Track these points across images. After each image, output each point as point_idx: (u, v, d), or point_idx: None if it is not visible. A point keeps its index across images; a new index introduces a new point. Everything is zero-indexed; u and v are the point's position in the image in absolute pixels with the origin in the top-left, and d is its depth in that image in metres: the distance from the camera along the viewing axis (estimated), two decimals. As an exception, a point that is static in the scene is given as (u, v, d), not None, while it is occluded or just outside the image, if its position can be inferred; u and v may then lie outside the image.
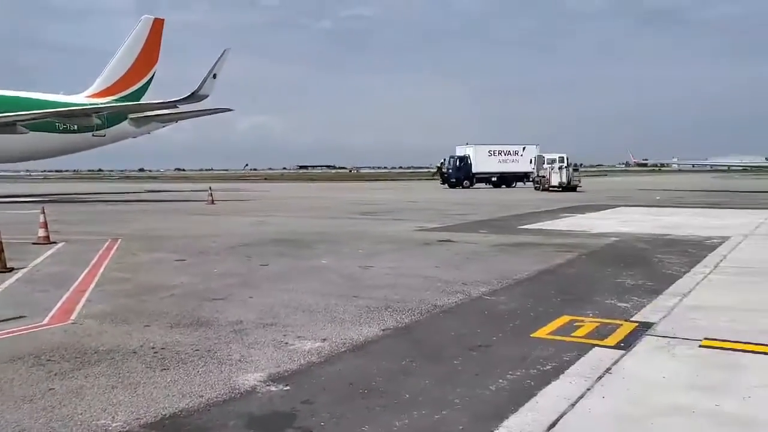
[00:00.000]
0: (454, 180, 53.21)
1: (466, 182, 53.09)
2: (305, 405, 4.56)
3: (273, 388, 4.88)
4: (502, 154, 55.45)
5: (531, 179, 51.35)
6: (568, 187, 43.23)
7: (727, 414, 4.29)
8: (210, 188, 35.16)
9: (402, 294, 8.37)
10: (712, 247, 12.70)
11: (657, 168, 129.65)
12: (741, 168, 58.69)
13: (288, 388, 4.90)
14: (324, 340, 6.23)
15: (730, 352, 5.70)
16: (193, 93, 30.86)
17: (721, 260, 11.06)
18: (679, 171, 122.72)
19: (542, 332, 6.48)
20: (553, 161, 47.22)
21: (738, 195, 37.84)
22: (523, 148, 55.63)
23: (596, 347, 5.86)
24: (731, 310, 7.35)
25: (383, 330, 6.62)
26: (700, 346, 5.88)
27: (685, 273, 9.82)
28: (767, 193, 34.83)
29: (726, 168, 66.13)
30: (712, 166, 65.54)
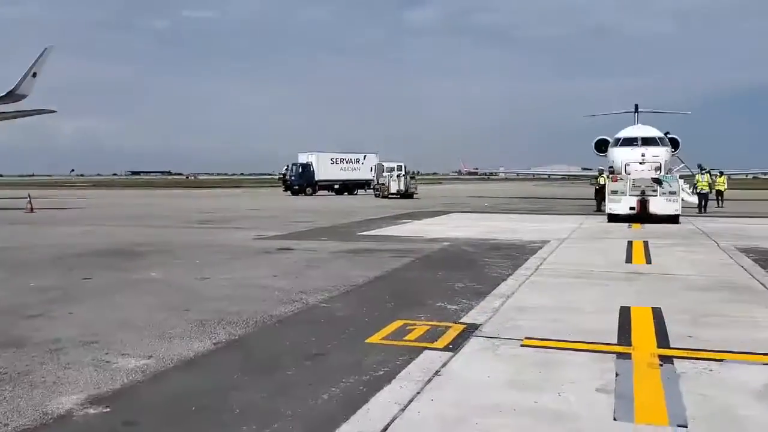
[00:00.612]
0: (297, 187, 53.00)
1: (309, 189, 53.08)
2: (127, 427, 4.29)
3: (91, 411, 4.55)
4: (344, 161, 56.08)
5: (372, 187, 52.40)
6: (406, 194, 44.64)
7: (544, 409, 4.57)
8: (29, 195, 32.36)
9: (238, 305, 8.15)
10: (534, 251, 13.62)
11: (486, 176, 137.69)
12: (560, 177, 63.74)
13: (108, 409, 4.59)
14: (150, 357, 5.91)
15: (548, 350, 6.10)
16: (9, 92, 28.32)
17: (541, 263, 11.88)
18: (506, 179, 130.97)
19: (376, 338, 6.58)
20: (392, 169, 48.50)
21: (558, 202, 41.04)
22: (365, 156, 56.60)
23: (427, 350, 6.04)
24: (549, 309, 7.90)
25: (215, 344, 6.40)
26: (522, 345, 6.25)
27: (509, 275, 10.43)
28: (583, 200, 37.95)
29: (547, 176, 71.39)
30: (534, 174, 70.60)
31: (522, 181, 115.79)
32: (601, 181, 28.63)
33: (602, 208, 25.58)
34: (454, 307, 8.01)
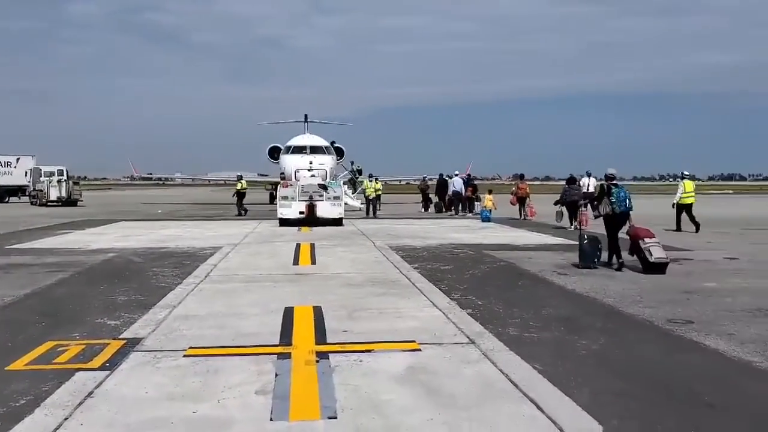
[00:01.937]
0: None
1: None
2: None
3: None
4: (-5, 165, 49.19)
5: (27, 193, 46.80)
6: (69, 201, 40.83)
7: (203, 418, 4.52)
8: None
9: None
10: (205, 258, 13.49)
11: (162, 182, 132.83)
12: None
13: None
14: None
15: (211, 358, 6.06)
16: None
17: (212, 270, 11.81)
18: (182, 185, 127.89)
19: (20, 363, 5.87)
20: (51, 174, 43.92)
21: (234, 207, 41.16)
22: (18, 159, 50.28)
23: (80, 371, 5.56)
24: (217, 316, 7.87)
25: None
26: (185, 355, 6.11)
27: (177, 284, 10.15)
28: (261, 204, 38.66)
29: (223, 182, 71.40)
30: (210, 180, 70.15)
31: (199, 187, 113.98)
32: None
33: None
34: (115, 322, 7.52)
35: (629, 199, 12.28)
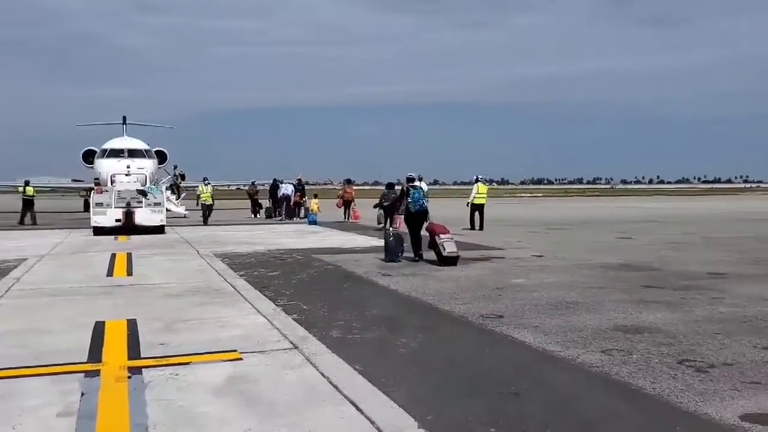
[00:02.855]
0: None
1: None
2: None
3: None
4: None
5: None
6: None
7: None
8: None
9: None
10: (7, 271, 12.27)
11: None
12: (49, 189, 59.65)
13: None
14: None
15: (8, 380, 5.48)
16: None
17: (14, 283, 10.76)
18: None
19: None
20: None
21: (50, 216, 37.87)
22: None
23: None
24: (17, 334, 7.16)
25: None
26: (-26, 381, 5.48)
27: (-29, 302, 9.13)
28: (73, 212, 35.93)
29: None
30: (17, 187, 64.07)
31: (6, 194, 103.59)
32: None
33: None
34: None
35: (423, 200, 13.83)
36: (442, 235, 12.95)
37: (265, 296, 9.47)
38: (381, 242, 16.37)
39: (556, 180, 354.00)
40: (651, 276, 11.28)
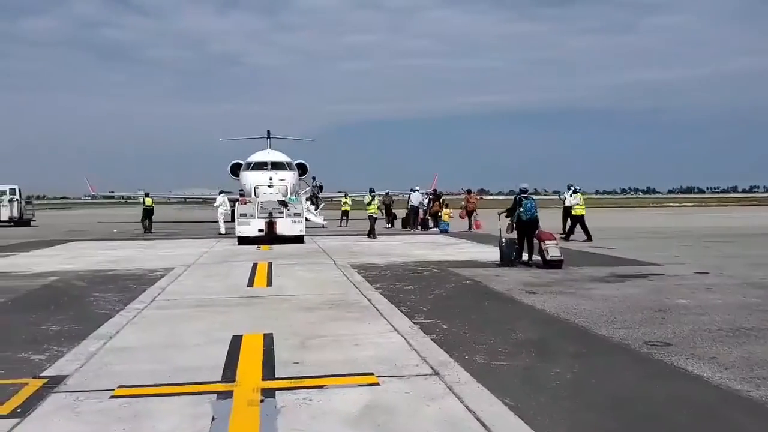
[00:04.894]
0: None
1: None
2: None
3: None
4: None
5: (-23, 214, 44.92)
6: (21, 221, 39.37)
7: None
8: None
9: None
10: (154, 280, 12.69)
11: (124, 200, 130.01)
12: (201, 200, 62.97)
13: None
14: None
15: (142, 398, 5.34)
16: None
17: (159, 293, 11.03)
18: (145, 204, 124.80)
19: None
20: (2, 193, 42.27)
21: (195, 225, 40.16)
22: (-33, 179, 48.40)
23: (-17, 420, 4.81)
24: (155, 348, 7.15)
25: None
26: (112, 396, 5.38)
27: (119, 311, 9.37)
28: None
29: (183, 200, 70.01)
30: (170, 198, 68.56)
31: (161, 205, 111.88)
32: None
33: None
34: (39, 357, 6.73)
35: (534, 210, 14.92)
36: (547, 241, 14.23)
37: (402, 312, 9.01)
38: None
39: (707, 189, 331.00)
40: None
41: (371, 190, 28.66)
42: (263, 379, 5.80)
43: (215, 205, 31.01)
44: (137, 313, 9.18)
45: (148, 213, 31.94)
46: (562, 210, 24.14)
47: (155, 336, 7.77)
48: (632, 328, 7.82)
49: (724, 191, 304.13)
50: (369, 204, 26.96)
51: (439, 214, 29.96)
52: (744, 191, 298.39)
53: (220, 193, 32.42)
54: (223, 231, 27.96)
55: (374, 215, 26.03)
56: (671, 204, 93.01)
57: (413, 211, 31.48)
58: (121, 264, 15.94)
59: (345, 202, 38.51)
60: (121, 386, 5.64)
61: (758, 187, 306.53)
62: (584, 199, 23.37)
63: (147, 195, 33.75)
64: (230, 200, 30.90)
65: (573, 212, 22.77)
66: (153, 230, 30.95)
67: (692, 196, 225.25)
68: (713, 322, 8.08)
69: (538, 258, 14.36)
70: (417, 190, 32.06)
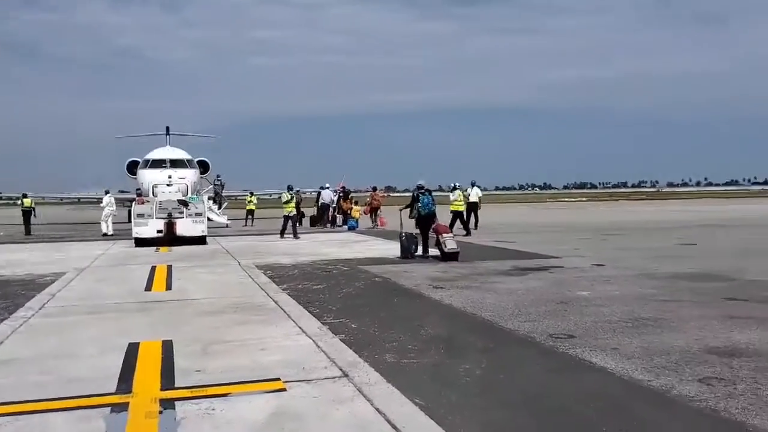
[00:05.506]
0: None
1: None
2: None
3: None
4: None
5: None
6: None
7: None
8: None
9: None
10: (44, 286, 11.87)
11: (13, 201, 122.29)
12: (96, 200, 60.15)
13: None
14: None
15: (24, 416, 4.88)
16: None
17: (49, 300, 10.31)
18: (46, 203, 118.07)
19: None
20: None
21: (88, 227, 38.13)
22: None
23: None
24: (44, 359, 6.62)
25: None
26: (-10, 415, 4.90)
27: (3, 320, 8.64)
28: (117, 224, 35.96)
29: (77, 200, 66.63)
30: (63, 198, 65.06)
31: (53, 206, 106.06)
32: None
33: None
34: None
35: (432, 204, 15.53)
36: (444, 234, 14.91)
37: (310, 313, 8.79)
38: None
39: (600, 184, 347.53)
40: (730, 287, 10.28)
41: (290, 188, 25.93)
42: (162, 390, 5.46)
43: (101, 205, 29.57)
44: (23, 322, 8.52)
45: (26, 214, 30.35)
46: (465, 206, 24.71)
47: (43, 346, 7.20)
48: (537, 321, 7.95)
49: (615, 186, 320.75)
50: (287, 202, 25.55)
51: (349, 211, 29.96)
52: (633, 186, 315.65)
53: (107, 192, 30.91)
54: (108, 232, 26.88)
55: (290, 214, 24.24)
56: (566, 199, 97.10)
57: (323, 208, 31.34)
58: (8, 268, 14.85)
59: (250, 201, 37.78)
60: (2, 403, 5.15)
61: (646, 183, 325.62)
62: (483, 196, 24.64)
63: (25, 196, 32.07)
64: (128, 200, 29.58)
65: (452, 207, 23.08)
66: (34, 233, 29.20)
67: (586, 191, 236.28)
68: (613, 313, 8.33)
69: (436, 251, 15.09)
70: (327, 188, 31.85)
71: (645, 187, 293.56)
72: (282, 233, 23.82)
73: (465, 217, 23.65)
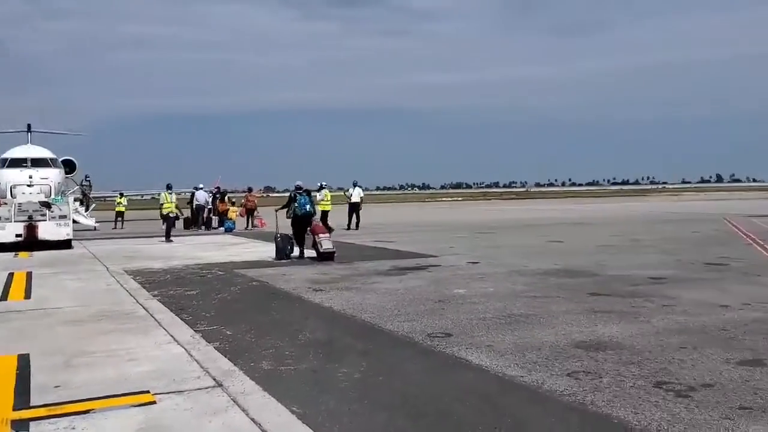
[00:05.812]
0: None
1: None
2: None
3: None
4: None
5: None
6: None
7: None
8: None
9: None
10: None
11: None
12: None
13: None
14: None
15: None
16: None
17: None
18: None
19: None
20: None
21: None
22: None
23: None
24: None
25: None
26: None
27: None
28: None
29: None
30: None
31: None
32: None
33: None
34: None
35: (309, 205, 15.75)
36: (320, 235, 15.05)
37: (183, 320, 8.42)
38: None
39: (474, 184, 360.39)
40: (594, 282, 10.87)
41: (169, 187, 24.56)
42: (15, 409, 5.01)
43: None
44: None
45: None
46: (348, 206, 25.00)
47: None
48: (416, 321, 8.04)
49: (488, 186, 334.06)
50: (166, 203, 23.89)
51: (225, 212, 29.23)
52: (504, 186, 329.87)
53: None
54: None
55: (171, 214, 23.44)
56: (444, 198, 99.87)
57: (198, 210, 30.39)
58: None
59: (119, 203, 35.97)
60: None
61: (516, 183, 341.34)
62: (365, 196, 25.08)
63: None
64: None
65: (318, 207, 22.81)
66: None
67: (461, 191, 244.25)
68: (487, 310, 8.58)
69: (313, 252, 15.24)
70: (201, 189, 30.87)
71: (515, 187, 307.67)
72: (167, 235, 22.80)
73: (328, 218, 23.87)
